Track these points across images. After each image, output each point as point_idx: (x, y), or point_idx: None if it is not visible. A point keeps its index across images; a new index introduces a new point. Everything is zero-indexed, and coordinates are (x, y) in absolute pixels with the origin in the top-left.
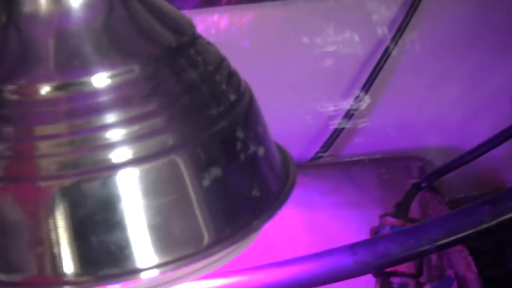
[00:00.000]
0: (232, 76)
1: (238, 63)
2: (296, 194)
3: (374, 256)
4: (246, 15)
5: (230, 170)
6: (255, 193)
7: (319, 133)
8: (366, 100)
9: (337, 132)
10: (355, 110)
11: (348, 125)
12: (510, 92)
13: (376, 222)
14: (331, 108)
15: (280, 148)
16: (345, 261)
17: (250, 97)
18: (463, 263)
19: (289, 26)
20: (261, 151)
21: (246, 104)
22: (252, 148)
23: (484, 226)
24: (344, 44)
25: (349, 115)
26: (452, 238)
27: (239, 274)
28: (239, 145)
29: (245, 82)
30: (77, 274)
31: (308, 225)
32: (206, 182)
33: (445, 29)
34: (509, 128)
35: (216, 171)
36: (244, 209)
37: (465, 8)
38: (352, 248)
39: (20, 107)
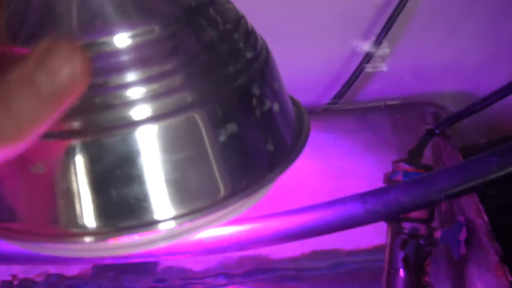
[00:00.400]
0: (249, 34)
1: (253, 9)
2: (312, 139)
3: (384, 205)
4: None
5: (246, 126)
6: (270, 147)
7: (336, 79)
8: (383, 45)
9: (353, 78)
10: (372, 55)
11: (364, 70)
12: None
13: (389, 168)
14: (348, 54)
15: (294, 101)
16: (356, 209)
17: (266, 54)
18: (473, 209)
19: None
20: (276, 107)
21: (262, 61)
22: (268, 104)
23: (493, 176)
24: None
25: (365, 60)
26: (461, 188)
27: (252, 222)
28: (255, 102)
29: (262, 39)
30: (97, 226)
31: (323, 170)
32: (222, 138)
33: None
34: None
35: (232, 127)
36: (259, 163)
37: None
38: (363, 197)
39: None
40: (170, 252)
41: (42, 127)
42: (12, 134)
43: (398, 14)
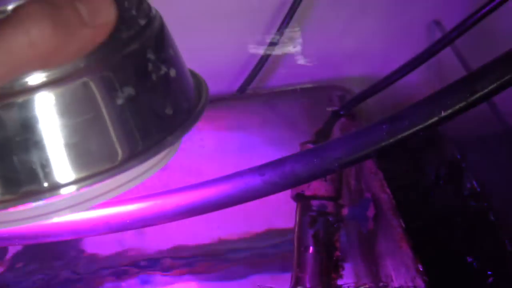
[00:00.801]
0: (141, 2)
1: None
2: (220, 125)
3: (281, 176)
4: None
5: (143, 89)
6: (168, 111)
7: (244, 66)
8: (288, 32)
9: (260, 64)
10: (277, 42)
11: (271, 57)
12: (426, 21)
13: (298, 150)
14: (254, 41)
15: (193, 73)
16: (255, 181)
17: (160, 23)
18: (378, 185)
19: None
20: (173, 73)
21: (156, 28)
22: (164, 69)
23: (383, 144)
24: None
25: (271, 47)
26: (354, 156)
27: (153, 198)
28: (150, 66)
29: (156, 10)
30: None
31: (234, 156)
32: (119, 101)
33: None
34: (422, 53)
35: (129, 90)
36: (158, 126)
37: None
38: (260, 169)
39: None
40: (74, 231)
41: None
42: None
43: (300, 1)
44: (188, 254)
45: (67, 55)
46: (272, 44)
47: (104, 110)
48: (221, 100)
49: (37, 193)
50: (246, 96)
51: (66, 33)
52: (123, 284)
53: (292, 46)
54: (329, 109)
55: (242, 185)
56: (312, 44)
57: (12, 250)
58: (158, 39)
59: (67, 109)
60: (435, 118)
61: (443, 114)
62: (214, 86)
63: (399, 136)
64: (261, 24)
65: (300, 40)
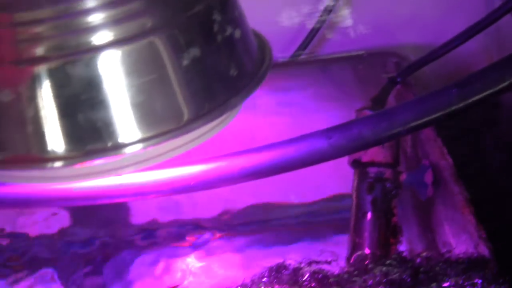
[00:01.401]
0: None
1: None
2: (275, 90)
3: (348, 139)
4: None
5: (208, 50)
6: (233, 72)
7: (298, 33)
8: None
9: (314, 31)
10: (332, 8)
11: (325, 24)
12: None
13: (353, 116)
14: (308, 7)
15: (256, 34)
16: (321, 144)
17: None
18: (437, 152)
19: None
20: (237, 34)
21: None
22: (229, 30)
23: (453, 108)
24: None
25: (326, 14)
26: (422, 120)
27: (218, 160)
28: (216, 27)
29: None
30: (65, 151)
31: (287, 121)
32: (185, 62)
33: None
34: (480, 21)
35: (194, 51)
36: (222, 87)
37: None
38: (327, 132)
39: None
40: (138, 193)
41: None
42: None
43: None
44: (239, 220)
45: None
46: (327, 10)
47: (170, 70)
48: (275, 66)
49: (102, 151)
50: (301, 62)
51: None
52: (174, 248)
53: (347, 12)
54: (386, 76)
55: (308, 147)
56: (367, 11)
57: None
58: (224, 0)
59: (133, 68)
60: (506, 83)
61: None
62: None
63: (470, 100)
64: None
65: (354, 8)
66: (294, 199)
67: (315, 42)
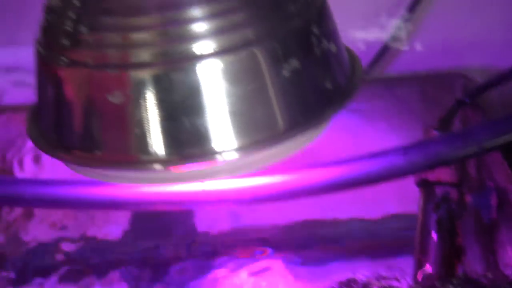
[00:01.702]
0: None
1: None
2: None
3: (425, 156)
4: None
5: (307, 62)
6: (328, 85)
7: (366, 51)
8: (412, 19)
9: (383, 50)
10: (401, 29)
11: (394, 43)
12: None
13: (419, 137)
14: (378, 27)
15: (347, 48)
16: (398, 160)
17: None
18: (503, 175)
19: None
20: (332, 48)
21: (319, 3)
22: (325, 44)
23: None
24: None
25: (395, 34)
26: (498, 141)
27: (298, 172)
28: (314, 40)
29: None
30: (164, 154)
31: (353, 139)
32: (285, 73)
33: None
34: None
35: (294, 63)
36: (317, 99)
37: None
38: (404, 149)
39: (117, 0)
40: (222, 200)
41: None
42: None
43: None
44: (304, 234)
45: None
46: (396, 30)
47: (269, 81)
48: None
49: (199, 157)
50: (368, 81)
51: None
52: (235, 260)
53: (416, 32)
54: (454, 98)
55: (385, 163)
56: (435, 31)
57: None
58: (321, 14)
59: (234, 78)
60: None
61: None
62: None
63: None
64: (385, 9)
65: (422, 29)
66: (358, 215)
67: (383, 61)
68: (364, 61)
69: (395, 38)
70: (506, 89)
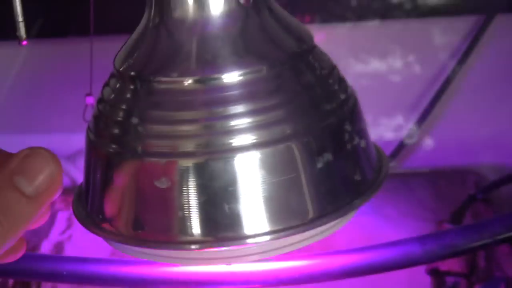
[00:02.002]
0: (342, 81)
1: None
2: None
3: (440, 246)
4: (318, 35)
5: (339, 156)
6: (357, 177)
7: (384, 146)
8: (429, 118)
9: (400, 146)
10: (418, 127)
11: (411, 140)
12: None
13: (432, 229)
14: (395, 124)
15: (375, 145)
16: (415, 249)
17: (355, 98)
18: (511, 266)
19: (357, 45)
20: (363, 143)
21: (352, 103)
22: (357, 140)
23: None
24: (408, 66)
25: (412, 131)
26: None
27: (320, 257)
28: (346, 136)
29: (351, 87)
30: (200, 235)
31: (366, 229)
32: (319, 165)
33: (504, 58)
34: None
35: (328, 156)
36: (347, 190)
37: None
38: (421, 239)
39: (167, 95)
40: (248, 281)
41: (28, 225)
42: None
43: (444, 91)
44: None
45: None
46: (413, 128)
47: (302, 172)
48: None
49: (232, 240)
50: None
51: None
52: None
53: (430, 130)
54: (466, 193)
55: (402, 251)
56: (449, 131)
57: None
58: (353, 113)
59: (270, 169)
60: None
61: None
62: None
63: None
64: (403, 108)
65: (438, 126)
66: None
67: (399, 156)
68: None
69: (410, 136)
70: None
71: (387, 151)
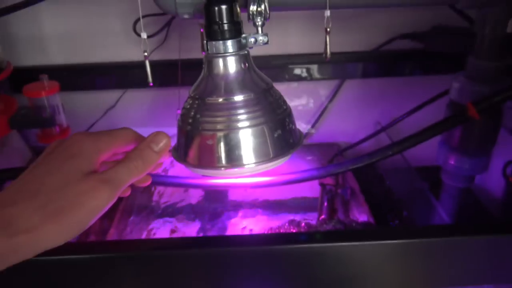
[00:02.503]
0: (284, 100)
1: None
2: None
3: (321, 171)
4: None
5: (284, 131)
6: (291, 141)
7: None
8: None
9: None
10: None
11: (310, 131)
12: None
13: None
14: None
15: (298, 129)
16: (313, 173)
17: (290, 107)
18: (353, 181)
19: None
20: (293, 127)
21: (289, 109)
22: (291, 125)
23: None
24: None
25: (309, 129)
26: None
27: (275, 175)
28: (287, 123)
29: (287, 103)
30: (225, 164)
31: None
32: (275, 135)
33: None
34: None
35: (279, 131)
36: (287, 145)
37: None
38: (317, 169)
39: (211, 105)
40: (244, 185)
41: (152, 167)
42: (143, 171)
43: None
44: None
45: None
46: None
47: (268, 138)
48: None
49: (238, 166)
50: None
51: None
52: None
53: (318, 128)
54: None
55: (308, 174)
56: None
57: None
58: (289, 114)
59: (255, 136)
60: None
61: None
62: None
63: None
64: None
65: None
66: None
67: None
68: None
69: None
70: None
71: None
